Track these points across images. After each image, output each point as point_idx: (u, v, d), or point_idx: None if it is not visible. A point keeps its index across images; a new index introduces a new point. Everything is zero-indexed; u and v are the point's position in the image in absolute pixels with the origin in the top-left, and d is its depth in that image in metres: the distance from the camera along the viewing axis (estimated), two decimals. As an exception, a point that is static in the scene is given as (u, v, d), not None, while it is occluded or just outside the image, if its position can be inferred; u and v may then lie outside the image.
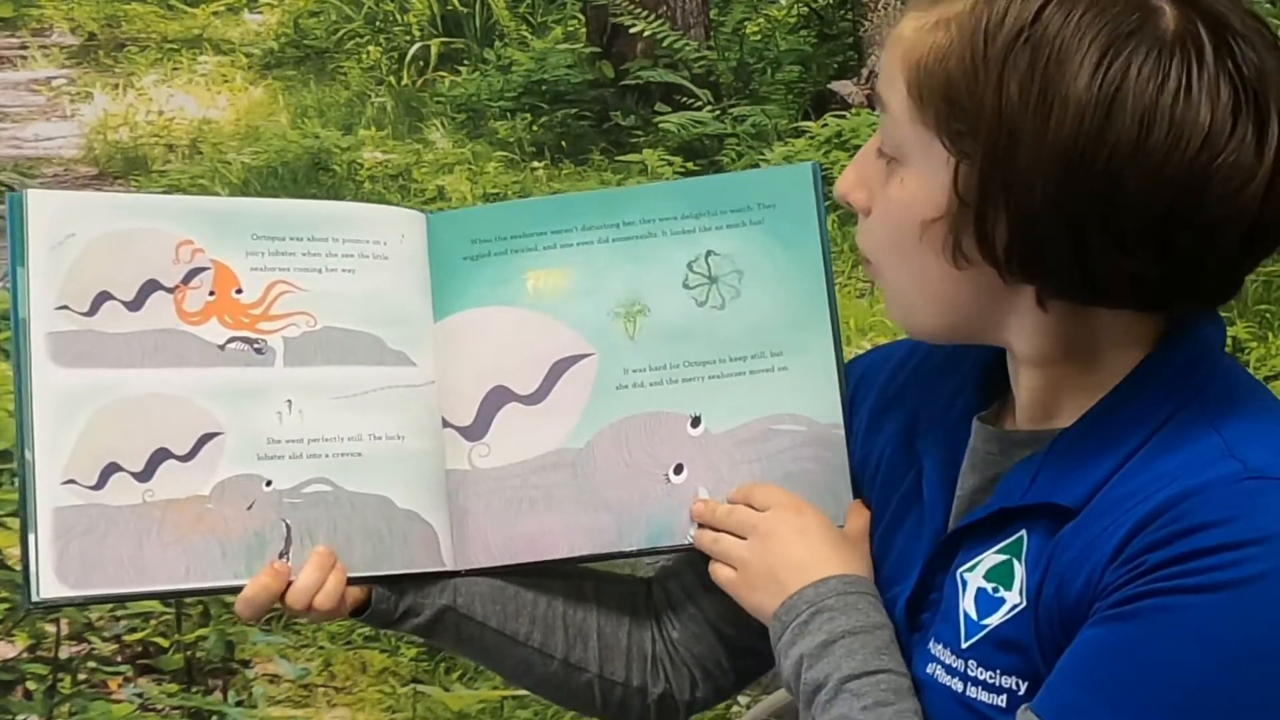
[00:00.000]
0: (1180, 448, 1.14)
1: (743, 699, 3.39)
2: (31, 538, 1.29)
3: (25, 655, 3.11)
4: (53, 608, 1.31)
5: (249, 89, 9.49)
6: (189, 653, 3.30)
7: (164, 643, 3.35)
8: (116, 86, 9.42)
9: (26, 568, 1.29)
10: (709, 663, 1.44)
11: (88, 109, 9.05)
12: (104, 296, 1.32)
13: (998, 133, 1.10)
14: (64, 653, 3.13)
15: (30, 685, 3.04)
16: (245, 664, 3.37)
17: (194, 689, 3.27)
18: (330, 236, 1.38)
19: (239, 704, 3.25)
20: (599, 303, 1.39)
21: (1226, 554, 1.07)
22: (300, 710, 3.41)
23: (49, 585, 1.29)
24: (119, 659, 3.38)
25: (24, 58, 10.44)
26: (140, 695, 3.23)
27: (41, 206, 1.32)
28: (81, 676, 3.17)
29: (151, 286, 1.34)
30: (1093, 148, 1.08)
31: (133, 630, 3.39)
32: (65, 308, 1.31)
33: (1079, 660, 1.11)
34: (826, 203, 1.40)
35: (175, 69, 9.85)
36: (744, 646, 1.41)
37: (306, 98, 9.13)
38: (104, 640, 3.37)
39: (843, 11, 8.59)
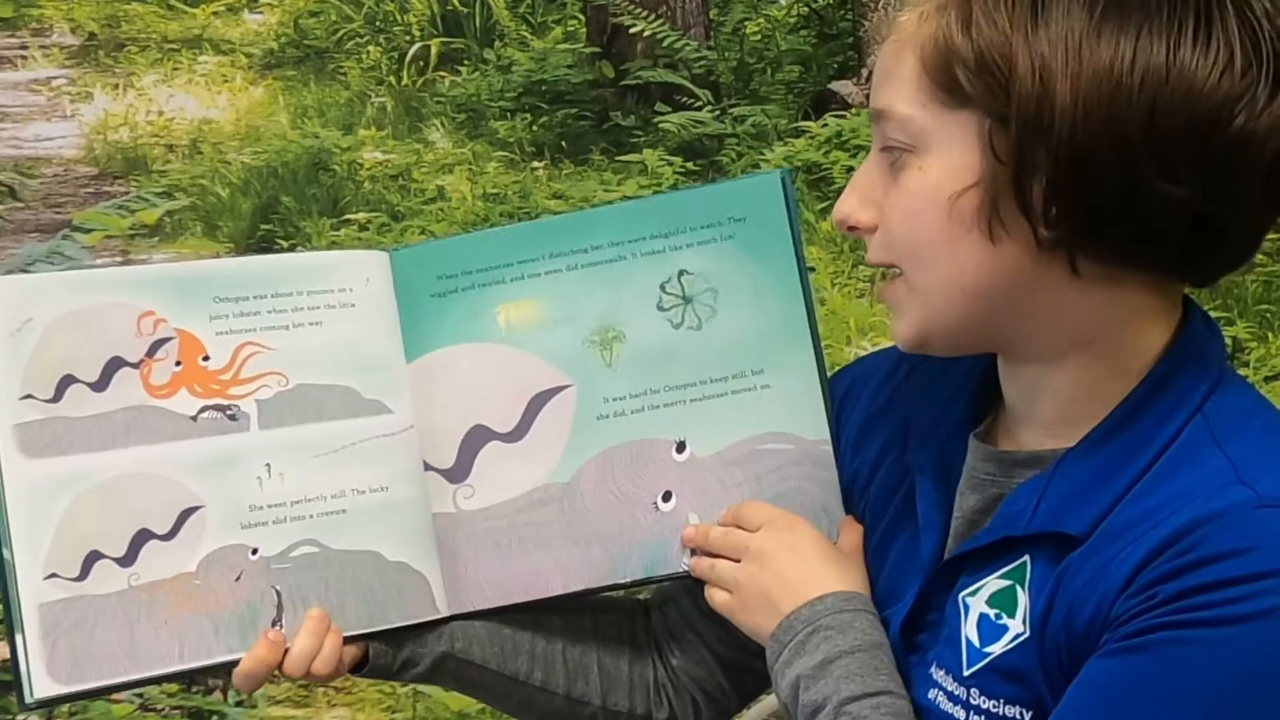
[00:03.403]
0: (1187, 469, 1.12)
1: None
2: (19, 638, 1.25)
3: (25, 656, 3.11)
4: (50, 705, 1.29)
5: (249, 89, 9.49)
6: (189, 654, 3.30)
7: (164, 644, 3.35)
8: (116, 86, 9.42)
9: (17, 669, 1.25)
10: (710, 686, 1.43)
11: (88, 109, 9.06)
12: (68, 380, 1.28)
13: (1031, 80, 1.08)
14: (64, 654, 3.13)
15: (30, 686, 3.04)
16: (245, 665, 3.37)
17: (194, 689, 3.27)
18: (294, 290, 1.34)
19: (239, 704, 3.25)
20: (573, 332, 1.36)
21: (1242, 586, 1.06)
22: (300, 710, 3.42)
23: (42, 685, 1.26)
24: (119, 660, 3.38)
25: (24, 58, 10.44)
26: (140, 695, 3.23)
27: None
28: (81, 677, 3.17)
29: (116, 364, 1.30)
30: (1128, 73, 1.08)
31: (132, 631, 3.39)
32: (29, 396, 1.27)
33: (1089, 691, 1.10)
34: (800, 210, 1.39)
35: (175, 69, 9.86)
36: (743, 667, 1.40)
37: (306, 98, 9.13)
38: (104, 641, 3.37)
39: (843, 11, 8.60)
